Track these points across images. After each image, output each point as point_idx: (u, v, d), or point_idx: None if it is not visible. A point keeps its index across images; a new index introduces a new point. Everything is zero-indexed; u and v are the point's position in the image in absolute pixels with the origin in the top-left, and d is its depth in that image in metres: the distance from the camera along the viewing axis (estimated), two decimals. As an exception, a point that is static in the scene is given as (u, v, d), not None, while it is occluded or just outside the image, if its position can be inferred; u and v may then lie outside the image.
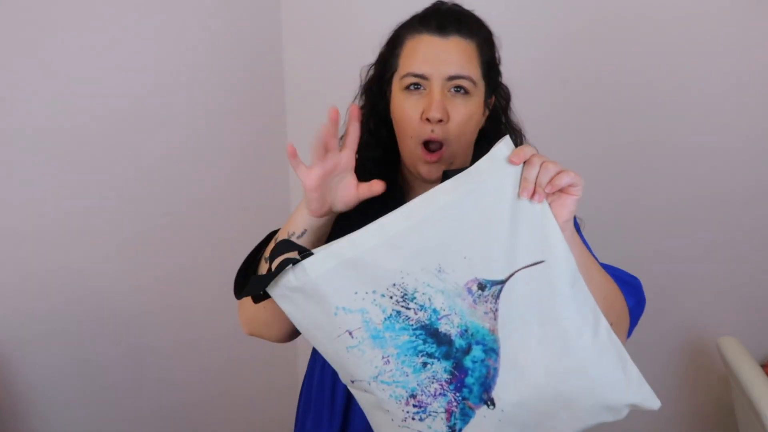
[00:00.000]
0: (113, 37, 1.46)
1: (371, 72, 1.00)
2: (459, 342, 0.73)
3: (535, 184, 0.71)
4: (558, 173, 0.71)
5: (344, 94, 1.04)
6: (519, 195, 0.71)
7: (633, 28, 1.60)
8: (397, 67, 0.92)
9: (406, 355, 0.73)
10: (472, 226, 0.71)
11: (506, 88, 1.01)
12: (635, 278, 0.95)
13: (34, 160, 1.37)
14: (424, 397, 0.75)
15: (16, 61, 1.32)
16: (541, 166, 0.71)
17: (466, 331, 0.73)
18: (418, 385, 0.74)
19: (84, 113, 1.43)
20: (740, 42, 1.54)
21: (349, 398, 0.98)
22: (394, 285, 0.72)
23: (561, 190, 0.72)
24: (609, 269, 0.91)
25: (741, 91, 1.57)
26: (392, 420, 0.77)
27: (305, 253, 0.73)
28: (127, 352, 1.59)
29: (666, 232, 1.70)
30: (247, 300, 0.89)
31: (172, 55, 1.59)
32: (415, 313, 0.72)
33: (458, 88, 0.88)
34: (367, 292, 0.72)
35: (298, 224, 0.84)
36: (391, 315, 0.73)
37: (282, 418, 1.40)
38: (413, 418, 0.76)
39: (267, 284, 0.74)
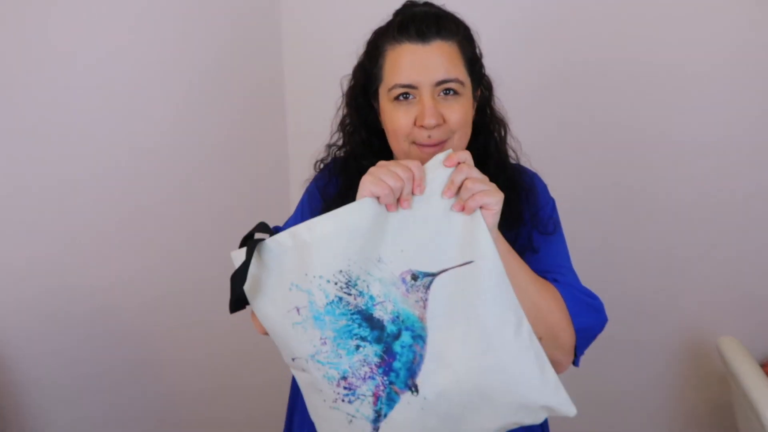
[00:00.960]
0: (113, 37, 1.46)
1: (352, 82, 1.00)
2: (390, 327, 0.79)
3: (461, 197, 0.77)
4: (473, 195, 0.77)
5: (340, 103, 1.04)
6: (442, 194, 0.78)
7: (631, 25, 1.60)
8: (382, 79, 0.92)
9: (341, 338, 0.79)
10: (410, 223, 0.78)
11: (488, 80, 1.01)
12: (596, 297, 0.92)
13: (33, 159, 1.37)
14: (354, 379, 0.80)
15: (16, 61, 1.32)
16: (464, 183, 0.77)
17: (397, 317, 0.78)
18: (349, 367, 0.80)
19: (82, 113, 1.43)
20: (741, 38, 1.54)
21: None
22: (341, 271, 0.78)
23: (481, 206, 0.77)
24: (567, 287, 0.89)
25: (741, 91, 1.57)
26: (324, 401, 0.82)
27: (273, 231, 0.81)
28: (127, 352, 1.59)
29: (666, 232, 1.70)
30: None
31: (172, 56, 1.59)
32: (355, 299, 0.79)
33: (448, 91, 0.89)
34: (314, 276, 0.79)
35: None
36: (333, 300, 0.79)
37: (275, 413, 1.40)
38: (343, 400, 0.81)
39: (244, 275, 0.80)
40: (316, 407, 0.85)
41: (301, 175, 1.12)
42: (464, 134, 0.92)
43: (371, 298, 0.79)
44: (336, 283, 0.78)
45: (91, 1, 1.41)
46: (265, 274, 0.82)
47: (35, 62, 1.34)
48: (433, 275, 0.78)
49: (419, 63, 0.87)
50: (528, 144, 1.08)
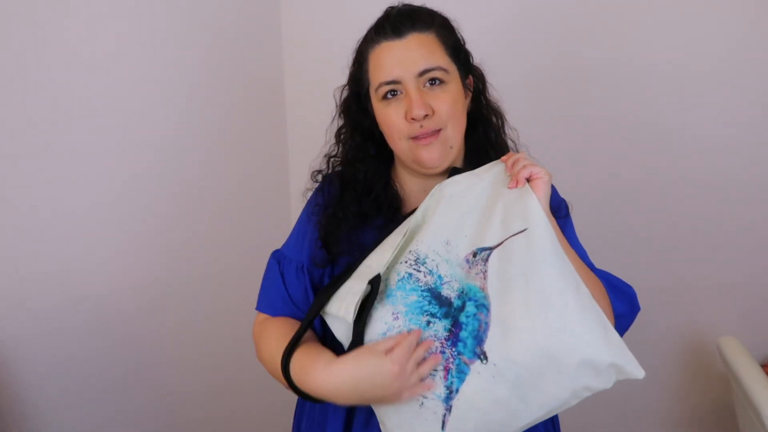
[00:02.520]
0: (112, 36, 1.46)
1: (345, 92, 1.02)
2: (456, 302, 0.82)
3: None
4: (524, 166, 0.85)
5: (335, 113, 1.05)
6: (505, 171, 0.88)
7: (629, 24, 1.60)
8: (369, 82, 0.94)
9: (413, 314, 0.82)
10: (471, 211, 0.86)
11: (479, 69, 1.02)
12: (629, 287, 0.95)
13: (35, 160, 1.37)
14: (425, 355, 0.81)
15: (16, 61, 1.32)
16: (515, 160, 0.87)
17: (462, 292, 0.82)
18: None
19: (84, 113, 1.43)
20: (740, 36, 1.54)
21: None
22: (410, 251, 0.85)
23: (530, 179, 0.85)
24: (602, 274, 0.93)
25: (741, 91, 1.57)
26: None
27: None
28: (127, 352, 1.59)
29: (666, 232, 1.70)
30: (274, 366, 0.91)
31: (172, 56, 1.59)
32: (425, 276, 0.83)
33: (433, 81, 0.90)
34: (390, 260, 0.85)
35: None
36: (404, 277, 0.84)
37: (280, 414, 1.40)
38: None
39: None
40: None
41: (301, 176, 1.12)
42: (458, 122, 0.93)
43: (440, 277, 0.83)
44: (406, 262, 0.85)
45: (90, 2, 1.41)
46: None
47: (34, 61, 1.34)
48: (491, 249, 0.82)
49: (398, 57, 0.89)
50: (527, 143, 1.09)
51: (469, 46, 1.01)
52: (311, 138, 1.11)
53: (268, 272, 1.04)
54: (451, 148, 0.94)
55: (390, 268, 0.85)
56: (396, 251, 0.86)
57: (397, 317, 0.82)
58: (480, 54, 1.03)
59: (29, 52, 1.33)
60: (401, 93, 0.90)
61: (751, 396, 1.33)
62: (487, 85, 1.02)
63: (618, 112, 1.65)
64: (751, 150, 1.59)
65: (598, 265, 1.02)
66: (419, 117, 0.89)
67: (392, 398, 0.80)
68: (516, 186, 0.84)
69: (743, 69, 1.55)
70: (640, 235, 1.71)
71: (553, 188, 1.02)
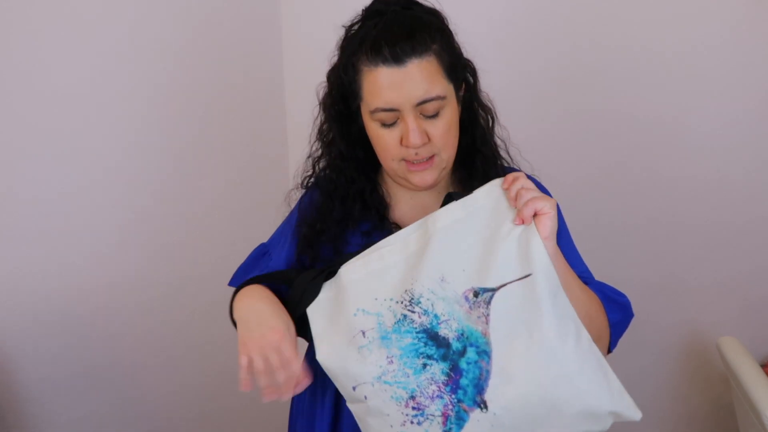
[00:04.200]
0: (113, 37, 1.46)
1: (329, 89, 0.98)
2: (456, 345, 0.79)
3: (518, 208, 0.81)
4: (528, 201, 0.79)
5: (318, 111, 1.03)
6: (509, 205, 0.82)
7: (627, 22, 1.60)
8: (362, 99, 0.90)
9: (408, 357, 0.80)
10: (470, 244, 0.81)
11: (472, 67, 0.98)
12: (623, 296, 0.95)
13: (35, 160, 1.37)
14: (422, 398, 0.80)
15: (16, 61, 1.32)
16: (518, 192, 0.81)
17: (462, 334, 0.79)
18: (417, 386, 0.80)
19: (84, 113, 1.43)
20: (740, 40, 1.54)
21: (338, 401, 0.99)
22: (406, 291, 0.82)
23: (535, 213, 0.79)
24: (597, 285, 0.93)
25: (741, 91, 1.56)
26: (391, 426, 0.81)
27: (337, 264, 0.86)
28: (127, 351, 1.59)
29: (666, 232, 1.70)
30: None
31: (172, 56, 1.59)
32: (419, 317, 0.81)
33: (431, 114, 0.88)
34: (385, 299, 0.82)
35: None
36: (399, 319, 0.81)
37: (278, 423, 1.40)
38: (412, 422, 0.80)
39: (319, 286, 0.86)
40: None
41: (300, 174, 1.12)
42: (451, 145, 0.92)
43: (436, 316, 0.80)
44: (401, 302, 0.82)
45: (89, 2, 1.41)
46: (330, 305, 0.86)
47: (33, 60, 1.34)
48: (494, 290, 0.79)
49: (397, 86, 0.86)
50: (526, 143, 1.07)
51: (462, 43, 0.96)
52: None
53: (250, 257, 1.06)
54: (444, 168, 0.93)
55: (387, 307, 0.82)
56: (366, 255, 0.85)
57: (392, 361, 0.80)
58: (476, 52, 1.00)
59: (28, 52, 1.33)
60: (398, 120, 0.89)
61: (751, 396, 1.33)
62: (478, 82, 0.99)
63: (617, 110, 1.65)
64: (752, 149, 1.59)
65: (598, 264, 1.02)
66: (416, 146, 0.88)
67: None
68: (521, 224, 0.80)
69: (743, 67, 1.55)
70: (639, 234, 1.71)
71: (547, 193, 1.01)
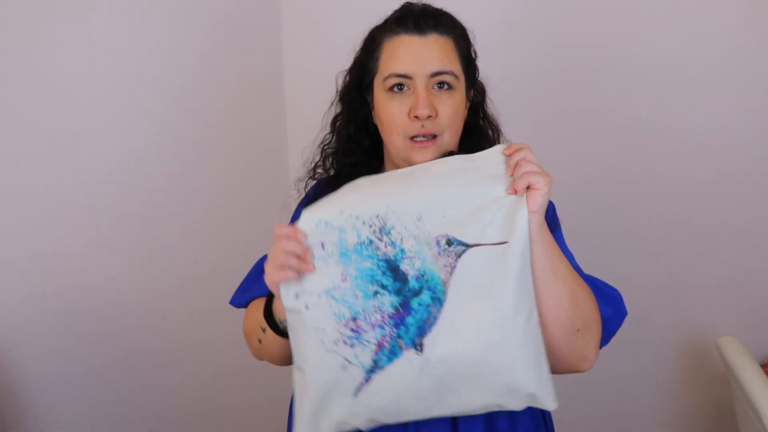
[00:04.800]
0: (113, 38, 1.46)
1: (347, 78, 1.01)
2: (413, 283, 0.81)
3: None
4: (525, 173, 0.81)
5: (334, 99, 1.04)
6: (506, 173, 0.83)
7: (626, 20, 1.60)
8: (377, 70, 0.93)
9: (363, 280, 0.81)
10: (458, 196, 0.82)
11: (481, 84, 1.02)
12: (615, 290, 0.95)
13: (35, 162, 1.37)
14: (363, 323, 0.81)
15: (17, 62, 1.32)
16: (518, 162, 0.82)
17: (422, 275, 0.81)
18: (363, 310, 0.81)
19: (80, 111, 1.43)
20: (739, 47, 1.54)
21: None
22: (377, 216, 0.81)
23: (529, 186, 0.81)
24: (589, 279, 0.92)
25: (741, 91, 1.57)
26: (322, 342, 0.82)
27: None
28: (126, 354, 1.58)
29: (666, 232, 1.70)
30: (255, 332, 0.96)
31: (172, 56, 1.59)
32: (385, 246, 0.81)
33: (442, 84, 0.90)
34: (351, 215, 0.81)
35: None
36: (363, 242, 0.81)
37: (278, 423, 1.40)
38: (345, 342, 0.81)
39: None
40: (307, 350, 0.84)
41: (300, 172, 1.12)
42: (455, 131, 0.93)
43: (402, 251, 0.81)
44: (370, 226, 0.81)
45: (89, 1, 1.41)
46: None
47: (34, 60, 1.34)
48: (468, 246, 0.80)
49: (416, 53, 0.89)
50: (525, 142, 1.07)
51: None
52: (311, 134, 1.11)
53: (251, 273, 1.06)
54: (444, 154, 0.94)
55: (352, 225, 0.82)
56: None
57: (346, 279, 0.81)
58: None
59: (28, 53, 1.33)
60: (408, 89, 0.90)
61: (751, 396, 1.33)
62: (487, 99, 1.03)
63: (617, 110, 1.65)
64: (752, 149, 1.59)
65: (598, 264, 1.02)
66: (423, 116, 0.88)
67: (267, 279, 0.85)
68: (513, 194, 0.81)
69: (742, 67, 1.55)
70: (639, 234, 1.71)
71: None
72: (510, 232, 0.80)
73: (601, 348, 0.91)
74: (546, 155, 1.12)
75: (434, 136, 0.91)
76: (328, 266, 0.82)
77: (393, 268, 0.81)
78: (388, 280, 0.81)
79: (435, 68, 0.89)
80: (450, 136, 0.92)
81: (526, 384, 0.80)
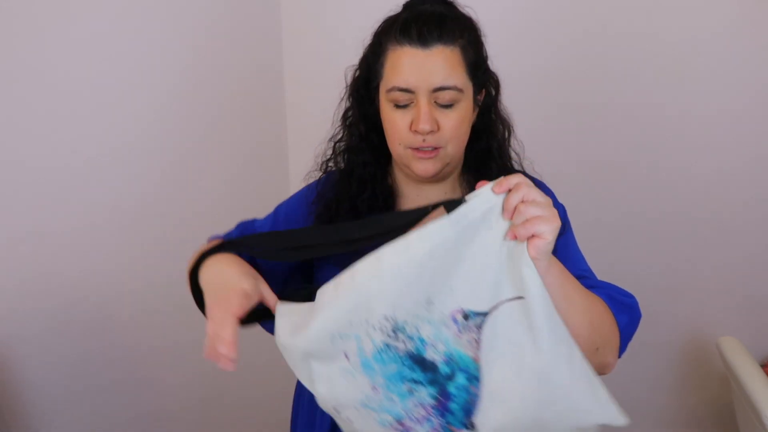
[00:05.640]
0: (114, 38, 1.46)
1: (357, 73, 1.00)
2: (444, 368, 0.76)
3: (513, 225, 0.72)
4: (527, 220, 0.70)
5: (344, 94, 1.04)
6: (503, 216, 0.72)
7: (633, 29, 1.59)
8: (382, 77, 0.92)
9: (393, 383, 0.76)
10: (458, 261, 0.73)
11: (496, 78, 0.99)
12: (630, 296, 0.94)
13: (35, 161, 1.37)
14: (410, 422, 0.77)
15: (17, 60, 1.32)
16: (517, 206, 0.70)
17: (450, 358, 0.75)
18: (404, 410, 0.77)
19: (84, 114, 1.42)
20: (741, 43, 1.54)
21: None
22: (386, 317, 0.74)
23: (533, 234, 0.70)
24: (603, 289, 0.90)
25: (741, 93, 1.56)
26: None
27: (309, 287, 0.80)
28: (126, 352, 1.58)
29: (666, 232, 1.70)
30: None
31: (171, 54, 1.59)
32: (404, 344, 0.75)
33: (445, 103, 0.88)
34: (360, 322, 0.75)
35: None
36: (381, 348, 0.76)
37: (278, 421, 1.40)
38: None
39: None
40: None
41: (300, 170, 1.12)
42: (458, 143, 0.92)
43: (421, 340, 0.75)
44: (382, 330, 0.75)
45: (89, 1, 1.41)
46: (301, 320, 0.80)
47: (34, 59, 1.34)
48: (485, 314, 0.74)
49: (418, 67, 0.87)
50: (525, 138, 1.06)
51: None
52: (311, 132, 1.10)
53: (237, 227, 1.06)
54: (448, 164, 0.93)
55: (365, 331, 0.76)
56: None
57: (376, 389, 0.77)
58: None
59: (28, 52, 1.33)
60: (411, 103, 0.89)
61: (751, 396, 1.33)
62: (500, 95, 1.00)
63: (618, 108, 1.65)
64: (752, 149, 1.59)
65: (598, 264, 1.02)
66: (424, 131, 0.87)
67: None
68: (513, 239, 0.72)
69: (745, 64, 1.55)
70: (639, 234, 1.71)
71: (552, 195, 1.00)
72: (522, 283, 0.72)
73: (620, 356, 0.91)
74: (544, 153, 1.13)
75: (437, 148, 0.90)
76: (356, 378, 0.77)
77: (419, 361, 0.76)
78: (418, 375, 0.76)
79: (437, 83, 0.87)
80: (453, 147, 0.91)
81: (592, 418, 0.77)
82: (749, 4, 1.52)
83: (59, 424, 1.48)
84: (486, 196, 0.72)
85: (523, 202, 0.70)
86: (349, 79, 1.01)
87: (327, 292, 0.77)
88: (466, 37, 0.91)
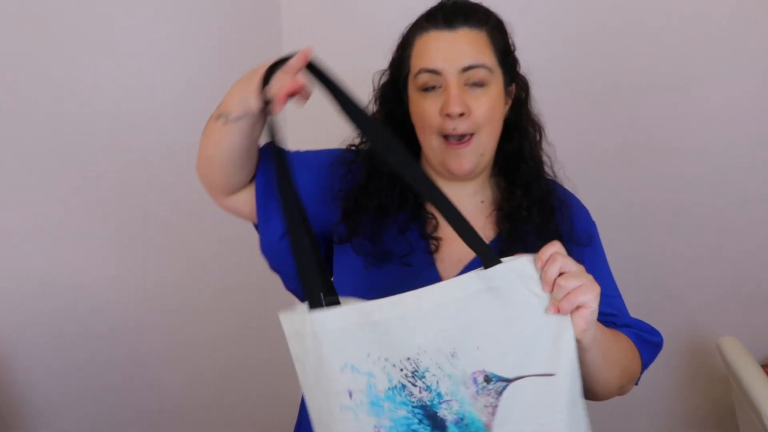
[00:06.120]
0: (114, 37, 1.46)
1: (384, 78, 0.98)
2: (452, 429, 0.72)
3: (555, 298, 0.70)
4: (569, 293, 0.69)
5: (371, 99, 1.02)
6: (543, 290, 0.70)
7: (640, 27, 1.59)
8: (409, 68, 0.90)
9: (398, 430, 0.72)
10: (491, 320, 0.70)
11: (524, 78, 0.97)
12: (658, 335, 0.95)
13: (34, 161, 1.37)
14: None
15: (16, 60, 1.32)
16: (556, 281, 0.69)
17: (462, 419, 0.72)
18: None
19: (84, 114, 1.43)
20: (745, 42, 1.54)
21: None
22: (409, 359, 0.71)
23: (578, 306, 0.70)
24: (632, 329, 0.91)
25: (743, 93, 1.56)
26: None
27: (331, 298, 0.74)
28: (126, 353, 1.58)
29: (667, 232, 1.70)
30: (217, 130, 0.90)
31: (172, 56, 1.59)
32: (420, 392, 0.72)
33: (475, 83, 0.86)
34: (379, 357, 0.71)
35: (237, 108, 0.84)
36: (396, 386, 0.72)
37: (281, 424, 1.40)
38: None
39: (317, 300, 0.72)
40: None
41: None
42: (493, 128, 0.89)
43: (439, 395, 0.71)
44: (402, 370, 0.71)
45: (89, 1, 1.41)
46: (312, 341, 0.72)
47: (34, 58, 1.34)
48: (509, 381, 0.70)
49: (445, 48, 0.86)
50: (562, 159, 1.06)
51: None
52: (312, 135, 1.10)
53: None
54: (482, 155, 0.90)
55: (381, 367, 0.72)
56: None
57: (380, 431, 0.72)
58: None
59: (28, 51, 1.33)
60: (440, 87, 0.86)
61: (751, 396, 1.33)
62: (530, 96, 0.98)
63: (621, 113, 1.65)
64: (752, 149, 1.59)
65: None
66: (455, 114, 0.84)
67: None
68: (556, 312, 0.69)
69: (745, 71, 1.55)
70: (640, 234, 1.71)
71: (585, 212, 1.02)
72: (557, 361, 0.70)
73: (637, 383, 0.93)
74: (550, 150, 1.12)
75: (470, 135, 0.87)
76: (358, 418, 0.72)
77: (430, 415, 0.72)
78: (426, 429, 0.72)
79: (466, 62, 0.85)
80: (487, 135, 0.88)
81: None
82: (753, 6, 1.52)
83: (59, 425, 1.48)
84: (523, 264, 0.70)
85: (561, 274, 0.69)
86: (376, 85, 0.99)
87: (348, 317, 0.72)
88: (492, 23, 0.89)
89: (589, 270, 0.84)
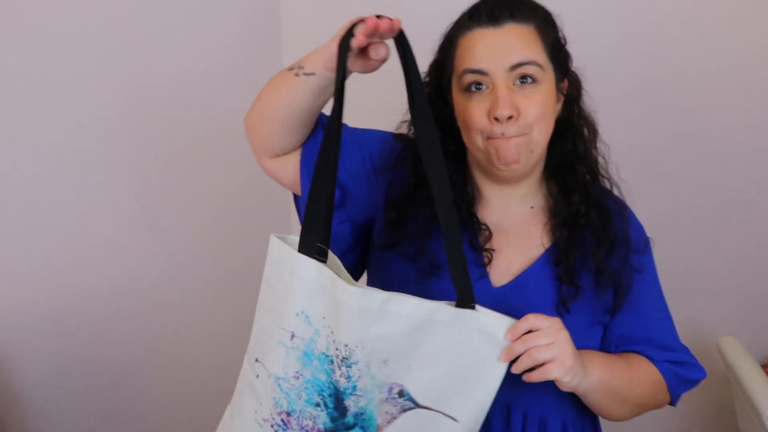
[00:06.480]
0: (114, 37, 1.46)
1: (425, 81, 0.91)
2: (350, 418, 0.76)
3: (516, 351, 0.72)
4: (535, 348, 0.71)
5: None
6: (499, 358, 0.72)
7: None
8: (452, 69, 0.84)
9: (312, 387, 0.77)
10: (436, 351, 0.73)
11: (576, 75, 0.91)
12: (697, 370, 0.95)
13: (35, 158, 1.37)
14: (295, 422, 0.78)
15: (16, 59, 1.32)
16: (522, 337, 0.71)
17: (361, 414, 0.76)
18: (299, 411, 0.78)
19: (84, 111, 1.43)
20: (745, 40, 1.54)
21: None
22: (346, 346, 0.74)
23: (542, 363, 0.72)
24: (669, 365, 0.91)
25: (744, 93, 1.56)
26: (256, 412, 0.81)
27: (321, 248, 0.76)
28: (127, 352, 1.58)
29: (667, 232, 1.69)
30: (286, 81, 0.84)
31: (173, 56, 1.59)
32: (340, 377, 0.75)
33: (524, 78, 0.80)
34: (329, 326, 0.75)
35: (313, 63, 0.80)
36: (329, 356, 0.75)
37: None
38: (272, 426, 0.80)
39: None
40: (243, 410, 0.83)
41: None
42: (545, 126, 0.83)
43: (354, 387, 0.75)
44: (337, 349, 0.74)
45: (89, 1, 1.41)
46: (287, 275, 0.76)
47: (34, 58, 1.34)
48: (417, 405, 0.74)
49: (490, 47, 0.79)
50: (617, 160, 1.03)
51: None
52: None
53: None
54: (532, 152, 0.83)
55: (326, 335, 0.75)
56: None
57: (298, 378, 0.77)
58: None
59: (28, 50, 1.33)
60: (487, 87, 0.80)
61: (751, 396, 1.33)
62: (582, 92, 0.92)
63: (619, 112, 1.65)
64: (752, 149, 1.59)
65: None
66: (503, 117, 0.78)
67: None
68: (506, 362, 0.71)
69: (745, 71, 1.55)
70: (640, 235, 1.71)
71: (636, 221, 0.99)
72: (467, 411, 0.73)
73: (677, 401, 0.94)
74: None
75: (521, 136, 0.81)
76: (288, 357, 0.77)
77: (338, 398, 0.76)
78: (330, 404, 0.76)
79: (514, 60, 0.78)
80: (539, 131, 0.82)
81: None
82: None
83: (60, 425, 1.48)
84: (494, 325, 0.72)
85: (530, 335, 0.71)
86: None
87: (325, 279, 0.75)
88: (540, 16, 0.83)
89: (642, 279, 0.88)
